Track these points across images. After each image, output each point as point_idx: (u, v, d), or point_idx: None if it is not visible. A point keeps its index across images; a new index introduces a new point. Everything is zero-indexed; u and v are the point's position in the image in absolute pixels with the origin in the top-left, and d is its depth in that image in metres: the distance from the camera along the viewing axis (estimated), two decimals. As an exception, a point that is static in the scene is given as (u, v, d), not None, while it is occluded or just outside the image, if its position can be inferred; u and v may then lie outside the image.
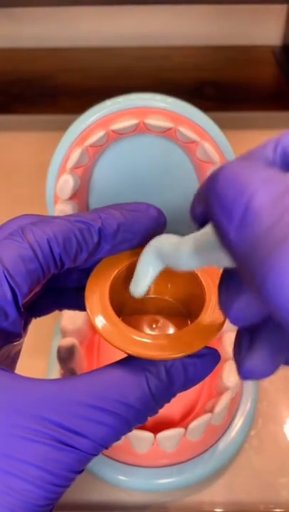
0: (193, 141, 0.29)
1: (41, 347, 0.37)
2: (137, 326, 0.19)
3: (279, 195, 0.12)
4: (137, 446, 0.29)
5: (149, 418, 0.31)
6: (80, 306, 0.22)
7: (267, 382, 0.36)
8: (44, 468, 0.15)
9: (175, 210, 0.30)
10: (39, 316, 0.23)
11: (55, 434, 0.16)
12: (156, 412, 0.18)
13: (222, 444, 0.32)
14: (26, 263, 0.18)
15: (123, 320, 0.18)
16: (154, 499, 0.31)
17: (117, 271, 0.20)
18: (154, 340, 0.18)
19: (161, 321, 0.21)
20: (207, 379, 0.33)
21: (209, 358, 0.18)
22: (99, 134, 0.29)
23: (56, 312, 0.35)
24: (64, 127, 0.31)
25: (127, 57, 0.66)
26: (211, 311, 0.18)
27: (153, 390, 0.17)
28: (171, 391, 0.18)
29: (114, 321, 0.18)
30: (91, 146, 0.30)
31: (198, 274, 0.20)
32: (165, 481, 0.30)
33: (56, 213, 0.31)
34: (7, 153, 0.53)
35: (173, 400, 0.30)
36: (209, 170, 0.31)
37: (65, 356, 0.31)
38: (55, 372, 0.35)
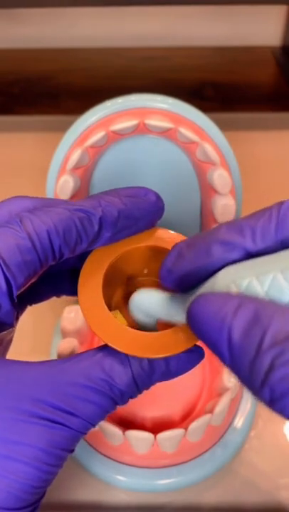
0: (193, 142, 0.29)
1: (41, 347, 0.37)
2: (127, 319, 0.19)
3: (252, 320, 0.13)
4: (137, 446, 0.29)
5: (149, 419, 0.31)
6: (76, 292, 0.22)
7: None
8: (38, 448, 0.16)
9: (175, 212, 0.30)
10: (35, 303, 0.23)
11: (47, 414, 0.16)
12: (136, 396, 0.18)
13: (222, 445, 0.32)
14: (23, 254, 0.17)
15: (115, 311, 0.19)
16: (154, 500, 0.31)
17: (110, 261, 0.20)
18: (141, 337, 0.18)
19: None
20: (207, 380, 0.34)
21: (193, 354, 0.18)
22: (99, 135, 0.29)
23: (56, 312, 0.35)
24: (64, 128, 0.31)
25: (127, 58, 0.66)
26: None
27: (135, 376, 0.18)
28: (151, 379, 0.18)
29: (106, 315, 0.18)
30: (91, 146, 0.30)
31: None
32: (165, 481, 0.30)
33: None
34: (7, 153, 0.53)
35: (173, 401, 0.30)
36: (209, 172, 0.31)
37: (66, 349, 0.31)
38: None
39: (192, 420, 0.29)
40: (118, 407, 0.18)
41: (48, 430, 0.16)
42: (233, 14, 0.65)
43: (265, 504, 0.31)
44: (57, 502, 0.30)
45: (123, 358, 0.18)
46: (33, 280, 0.19)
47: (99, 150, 0.31)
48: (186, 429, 0.29)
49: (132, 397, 0.18)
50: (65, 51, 0.67)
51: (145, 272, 0.21)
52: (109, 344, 0.18)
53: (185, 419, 0.32)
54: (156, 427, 0.30)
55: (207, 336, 0.14)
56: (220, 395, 0.30)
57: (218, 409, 0.29)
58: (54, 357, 0.35)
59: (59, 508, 0.17)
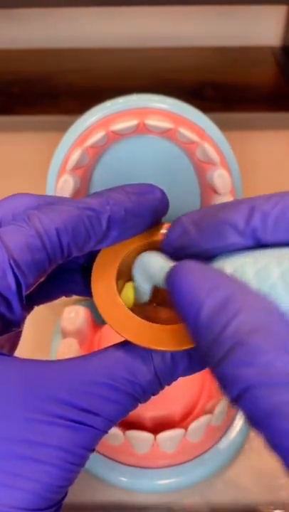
0: (193, 142, 0.29)
1: (41, 347, 0.37)
2: (142, 315, 0.19)
3: (222, 304, 0.14)
4: (137, 447, 0.29)
5: (149, 419, 0.31)
6: (86, 291, 0.22)
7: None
8: (62, 448, 0.16)
9: (175, 211, 0.30)
10: (42, 303, 0.22)
11: (70, 415, 0.16)
12: (158, 392, 0.18)
13: (222, 445, 0.32)
14: (33, 252, 0.17)
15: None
16: (154, 500, 0.31)
17: (121, 259, 0.20)
18: (161, 330, 0.18)
19: (164, 311, 0.21)
20: (207, 380, 0.33)
21: None
22: (99, 135, 0.29)
23: (56, 312, 0.35)
24: (64, 128, 0.31)
25: (127, 58, 0.66)
26: None
27: (158, 372, 0.17)
28: (174, 375, 0.18)
29: (122, 310, 0.18)
30: (91, 146, 0.30)
31: None
32: (165, 481, 0.30)
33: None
34: (7, 153, 0.53)
35: (173, 401, 0.30)
36: (209, 172, 0.31)
37: (66, 357, 0.31)
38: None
39: (192, 420, 0.29)
40: (140, 404, 0.18)
41: (72, 431, 0.16)
42: (233, 14, 0.65)
43: (265, 504, 0.31)
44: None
45: (145, 354, 0.17)
46: (41, 280, 0.18)
47: (99, 150, 0.31)
48: (186, 429, 0.29)
49: (153, 394, 0.18)
50: (65, 51, 0.67)
51: None
52: (130, 340, 0.17)
53: (185, 419, 0.32)
54: (157, 427, 0.30)
55: (179, 305, 0.15)
56: (220, 395, 0.30)
57: (218, 409, 0.29)
58: (54, 357, 0.35)
59: (59, 508, 0.18)
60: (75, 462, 0.16)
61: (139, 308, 0.20)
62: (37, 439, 0.15)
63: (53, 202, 0.19)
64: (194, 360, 0.18)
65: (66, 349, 0.31)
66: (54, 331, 0.37)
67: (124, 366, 0.17)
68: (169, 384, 0.18)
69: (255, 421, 0.13)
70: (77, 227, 0.18)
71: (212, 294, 0.14)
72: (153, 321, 0.18)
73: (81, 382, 0.16)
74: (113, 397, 0.17)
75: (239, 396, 0.13)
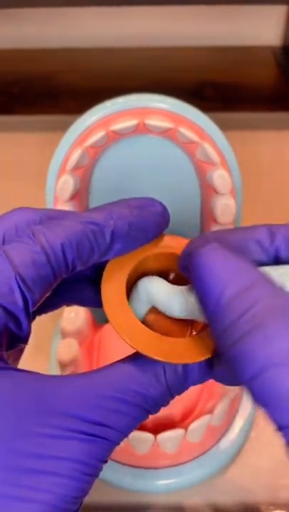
0: (193, 142, 0.29)
1: (41, 347, 0.37)
2: (151, 327, 0.19)
3: (246, 288, 0.14)
4: (138, 447, 0.29)
5: (149, 419, 0.31)
6: (90, 301, 0.22)
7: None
8: (78, 461, 0.16)
9: (175, 212, 0.30)
10: (44, 312, 0.23)
11: (83, 428, 0.16)
12: (168, 403, 0.18)
13: (222, 445, 0.32)
14: (39, 268, 0.17)
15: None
16: (154, 500, 0.31)
17: (129, 269, 0.20)
18: (175, 344, 0.18)
19: (168, 321, 0.21)
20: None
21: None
22: (99, 135, 0.29)
23: (56, 312, 0.35)
24: (64, 128, 0.31)
25: (127, 58, 0.66)
26: None
27: (169, 383, 0.18)
28: (185, 386, 0.18)
29: (135, 324, 0.18)
30: (91, 146, 0.30)
31: None
32: (165, 482, 0.30)
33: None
34: (7, 153, 0.53)
35: (173, 401, 0.30)
36: (209, 172, 0.31)
37: (65, 358, 0.31)
38: (55, 373, 0.35)
39: (192, 420, 0.29)
40: (150, 416, 0.18)
41: (85, 443, 0.16)
42: (233, 14, 0.65)
43: (265, 505, 0.31)
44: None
45: (156, 367, 0.18)
46: (47, 295, 0.18)
47: (99, 150, 0.30)
48: (186, 429, 0.29)
49: (163, 406, 0.18)
50: (65, 51, 0.67)
51: (171, 277, 0.21)
52: (148, 355, 0.17)
53: (185, 419, 0.32)
54: (157, 427, 0.30)
55: (201, 283, 0.15)
56: (220, 395, 0.30)
57: (218, 409, 0.29)
58: (54, 357, 0.35)
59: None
60: (90, 473, 0.16)
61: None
62: (51, 453, 0.16)
63: (53, 216, 0.19)
64: (204, 370, 0.18)
65: (66, 349, 0.31)
66: (54, 332, 0.37)
67: (135, 380, 0.17)
68: (179, 394, 0.18)
69: (266, 402, 0.13)
70: (82, 241, 0.18)
71: (238, 275, 0.15)
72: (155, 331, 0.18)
73: (92, 396, 0.17)
74: (125, 410, 0.17)
75: (253, 376, 0.13)
